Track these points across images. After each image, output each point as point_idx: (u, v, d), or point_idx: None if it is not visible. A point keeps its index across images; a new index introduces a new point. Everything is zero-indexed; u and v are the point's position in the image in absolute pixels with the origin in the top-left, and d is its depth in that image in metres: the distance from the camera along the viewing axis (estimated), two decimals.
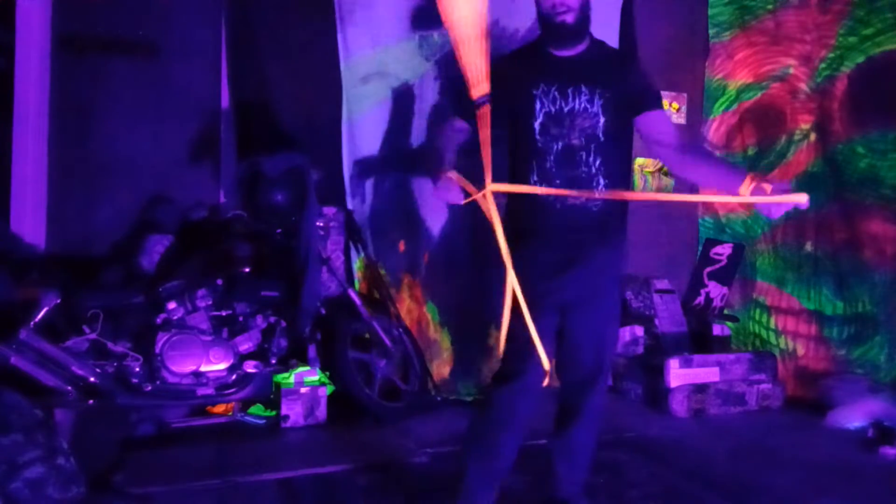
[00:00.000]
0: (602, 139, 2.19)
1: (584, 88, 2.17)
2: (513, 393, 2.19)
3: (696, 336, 4.30)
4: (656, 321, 4.26)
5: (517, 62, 2.29)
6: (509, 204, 2.30)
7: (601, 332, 2.29)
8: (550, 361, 2.10)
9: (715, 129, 4.81)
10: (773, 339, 4.40)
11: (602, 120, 2.18)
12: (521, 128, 2.21)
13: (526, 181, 2.20)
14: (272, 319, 3.33)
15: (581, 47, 2.22)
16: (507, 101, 2.18)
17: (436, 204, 3.82)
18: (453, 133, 2.28)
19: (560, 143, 2.17)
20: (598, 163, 2.18)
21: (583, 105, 2.17)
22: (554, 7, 2.12)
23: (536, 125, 2.18)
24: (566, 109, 2.17)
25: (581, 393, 2.29)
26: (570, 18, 2.13)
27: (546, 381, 2.07)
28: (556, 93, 2.17)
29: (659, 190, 4.76)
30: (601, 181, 2.19)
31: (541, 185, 2.18)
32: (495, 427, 2.22)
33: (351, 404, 3.48)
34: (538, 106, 2.18)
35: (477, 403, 2.53)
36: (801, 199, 1.87)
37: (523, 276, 2.01)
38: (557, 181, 2.17)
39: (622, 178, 2.28)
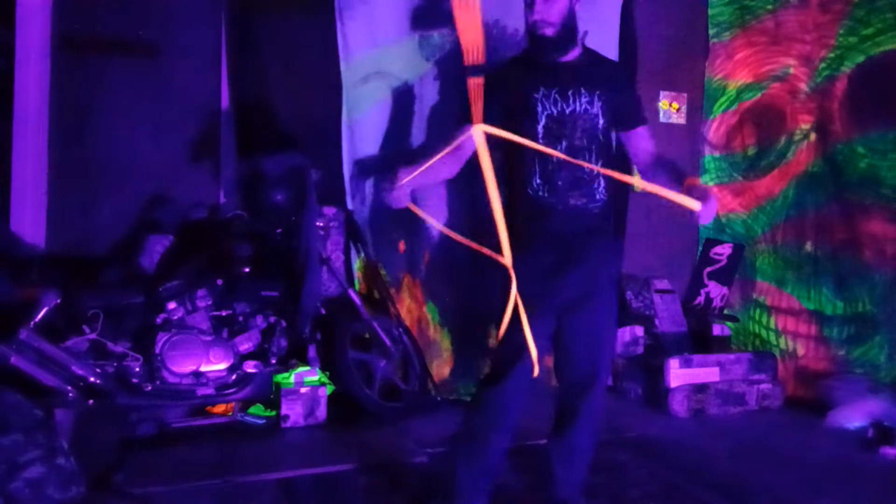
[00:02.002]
0: (602, 140, 2.26)
1: (583, 91, 2.23)
2: (504, 393, 2.20)
3: (696, 336, 4.30)
4: (656, 321, 4.26)
5: (514, 68, 2.34)
6: (509, 207, 2.29)
7: (598, 334, 2.29)
8: (542, 364, 2.11)
9: (715, 129, 4.81)
10: (773, 339, 4.40)
11: (601, 122, 2.25)
12: (522, 132, 2.19)
13: (528, 184, 2.23)
14: (272, 319, 3.34)
15: (574, 53, 2.28)
16: (505, 107, 2.23)
17: (436, 204, 3.83)
18: (453, 158, 2.18)
19: (564, 144, 2.21)
20: (599, 164, 2.24)
21: (583, 107, 2.23)
22: (535, 23, 2.22)
23: (539, 128, 2.22)
24: (567, 111, 2.22)
25: (579, 395, 2.29)
26: (549, 32, 2.21)
27: (536, 372, 2.06)
28: (557, 95, 2.22)
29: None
30: (602, 182, 2.25)
31: (544, 187, 2.22)
32: (487, 427, 2.24)
33: (351, 404, 3.48)
34: (540, 108, 2.22)
35: (467, 404, 2.54)
36: (695, 205, 1.91)
37: (523, 278, 2.01)
38: (559, 182, 2.20)
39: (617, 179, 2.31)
